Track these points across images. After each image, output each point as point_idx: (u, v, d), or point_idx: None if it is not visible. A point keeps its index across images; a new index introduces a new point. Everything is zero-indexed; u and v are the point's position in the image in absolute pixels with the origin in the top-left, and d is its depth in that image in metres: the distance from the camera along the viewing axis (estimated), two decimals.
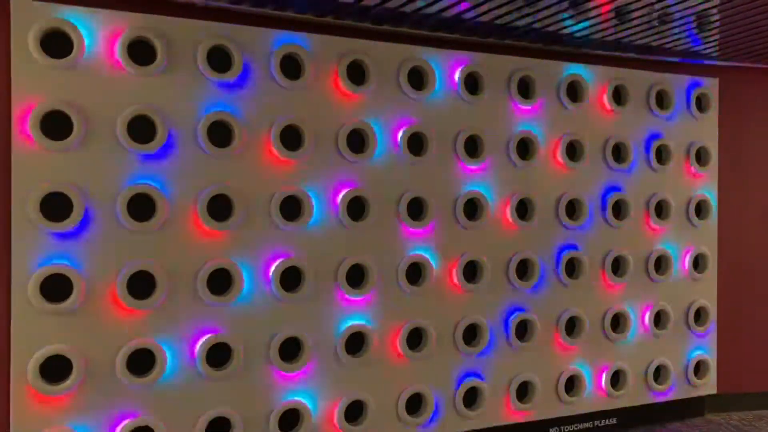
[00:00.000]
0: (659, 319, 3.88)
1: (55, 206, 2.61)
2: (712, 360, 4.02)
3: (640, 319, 3.80)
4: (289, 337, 3.00)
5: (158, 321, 2.78)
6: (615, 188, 3.71)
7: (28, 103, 2.57)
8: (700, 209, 3.99)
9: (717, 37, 3.77)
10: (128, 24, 2.70)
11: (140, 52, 2.74)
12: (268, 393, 2.96)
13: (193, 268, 2.84)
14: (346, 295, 3.10)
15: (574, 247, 3.60)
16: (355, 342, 3.15)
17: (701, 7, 3.21)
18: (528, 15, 3.23)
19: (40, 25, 2.57)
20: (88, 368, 2.66)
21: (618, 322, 3.77)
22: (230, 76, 2.86)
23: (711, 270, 4.01)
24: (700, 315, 3.99)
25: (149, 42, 2.75)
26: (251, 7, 3.01)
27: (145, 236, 2.75)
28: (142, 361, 2.76)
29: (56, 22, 2.59)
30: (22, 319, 2.58)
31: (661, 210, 3.88)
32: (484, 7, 3.08)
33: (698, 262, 3.99)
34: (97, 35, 2.67)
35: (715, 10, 3.32)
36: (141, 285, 2.75)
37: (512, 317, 3.46)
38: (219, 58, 2.88)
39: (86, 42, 2.64)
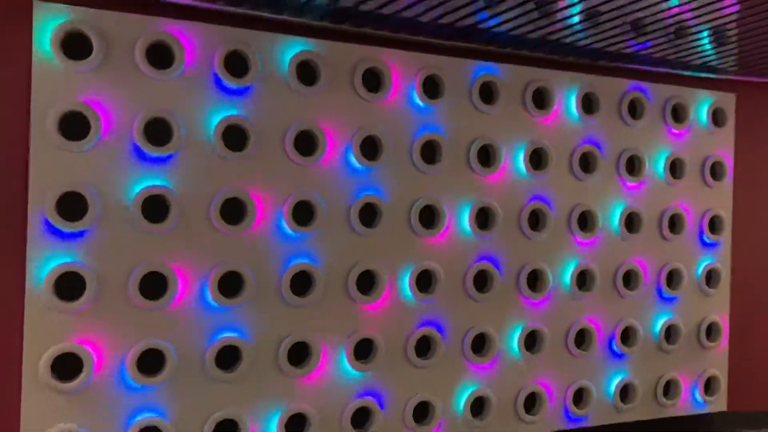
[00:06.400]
0: (670, 333, 3.86)
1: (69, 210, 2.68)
2: (723, 376, 3.98)
3: (650, 332, 3.79)
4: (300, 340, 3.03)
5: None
6: (628, 201, 3.70)
7: (47, 104, 2.54)
8: (714, 225, 3.96)
9: (735, 51, 3.76)
10: (145, 28, 2.73)
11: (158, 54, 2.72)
12: None
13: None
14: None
15: (583, 260, 3.59)
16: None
17: (719, 21, 3.21)
18: (542, 27, 3.25)
19: (61, 26, 2.61)
20: None
21: (628, 336, 3.74)
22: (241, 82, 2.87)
23: (724, 287, 3.99)
24: (711, 331, 3.96)
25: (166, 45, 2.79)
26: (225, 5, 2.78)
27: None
28: None
29: (77, 24, 2.64)
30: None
31: (674, 225, 3.87)
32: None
33: (711, 278, 3.97)
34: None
35: (733, 25, 3.32)
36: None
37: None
38: (236, 64, 2.92)
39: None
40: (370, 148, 3.10)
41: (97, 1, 2.64)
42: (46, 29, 2.53)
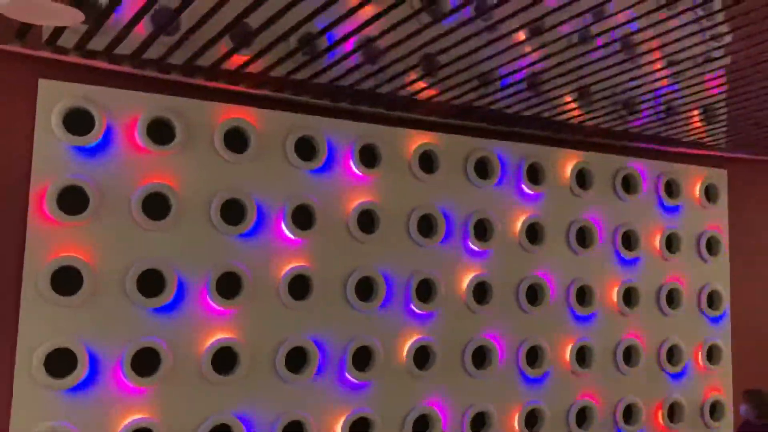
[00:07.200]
0: (674, 411, 3.79)
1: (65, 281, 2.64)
2: None
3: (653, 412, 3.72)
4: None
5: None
6: (627, 278, 3.71)
7: (47, 178, 2.62)
8: (712, 298, 3.95)
9: (725, 129, 3.83)
10: (146, 105, 2.79)
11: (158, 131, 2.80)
12: None
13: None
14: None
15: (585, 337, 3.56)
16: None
17: (709, 100, 3.28)
18: (536, 105, 3.30)
19: (64, 103, 2.66)
20: None
21: (631, 413, 3.68)
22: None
23: (725, 361, 3.95)
24: (715, 407, 3.89)
25: (168, 122, 2.83)
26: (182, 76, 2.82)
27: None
28: None
29: (79, 101, 2.68)
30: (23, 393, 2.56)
31: (672, 300, 3.85)
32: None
33: (712, 355, 3.93)
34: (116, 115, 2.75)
35: (722, 103, 3.39)
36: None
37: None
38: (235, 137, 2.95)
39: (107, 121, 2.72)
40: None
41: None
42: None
